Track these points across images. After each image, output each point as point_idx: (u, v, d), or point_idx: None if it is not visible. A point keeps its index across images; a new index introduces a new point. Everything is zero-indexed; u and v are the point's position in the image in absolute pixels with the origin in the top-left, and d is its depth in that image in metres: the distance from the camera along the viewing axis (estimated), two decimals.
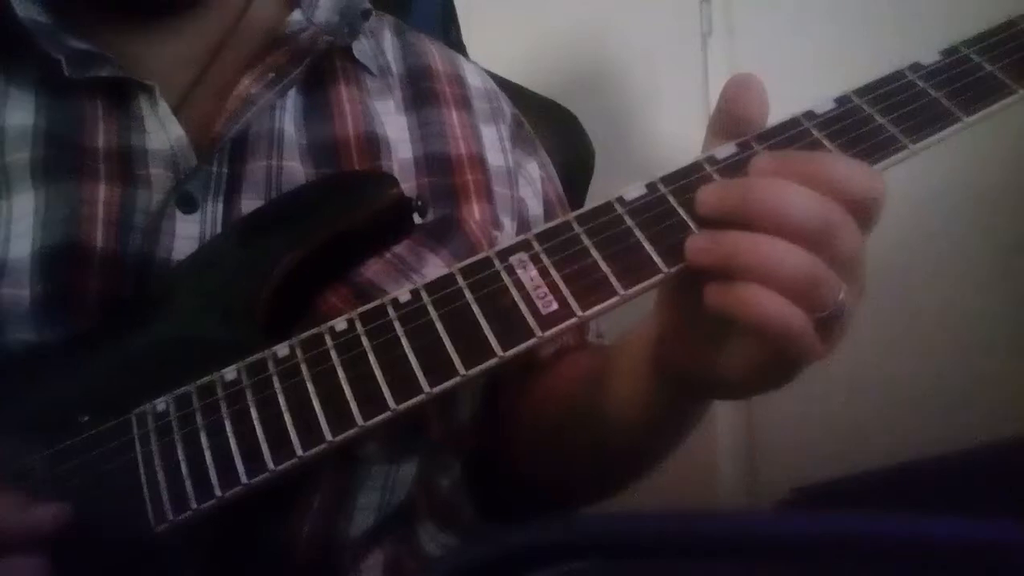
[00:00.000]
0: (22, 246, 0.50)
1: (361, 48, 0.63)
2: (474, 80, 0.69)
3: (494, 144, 0.66)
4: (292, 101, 0.59)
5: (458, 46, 0.91)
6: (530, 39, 1.37)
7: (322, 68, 0.61)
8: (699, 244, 0.40)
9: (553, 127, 0.77)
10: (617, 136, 1.34)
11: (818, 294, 0.37)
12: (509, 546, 0.29)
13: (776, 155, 0.41)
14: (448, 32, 0.93)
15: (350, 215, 0.50)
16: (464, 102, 0.66)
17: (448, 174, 0.62)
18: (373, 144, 0.59)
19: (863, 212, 0.39)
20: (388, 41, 0.68)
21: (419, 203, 0.54)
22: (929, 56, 0.46)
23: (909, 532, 0.25)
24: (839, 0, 1.24)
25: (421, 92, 0.65)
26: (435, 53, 0.69)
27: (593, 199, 0.99)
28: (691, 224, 0.42)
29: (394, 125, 0.62)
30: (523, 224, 0.66)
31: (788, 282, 0.37)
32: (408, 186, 0.60)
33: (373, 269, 0.55)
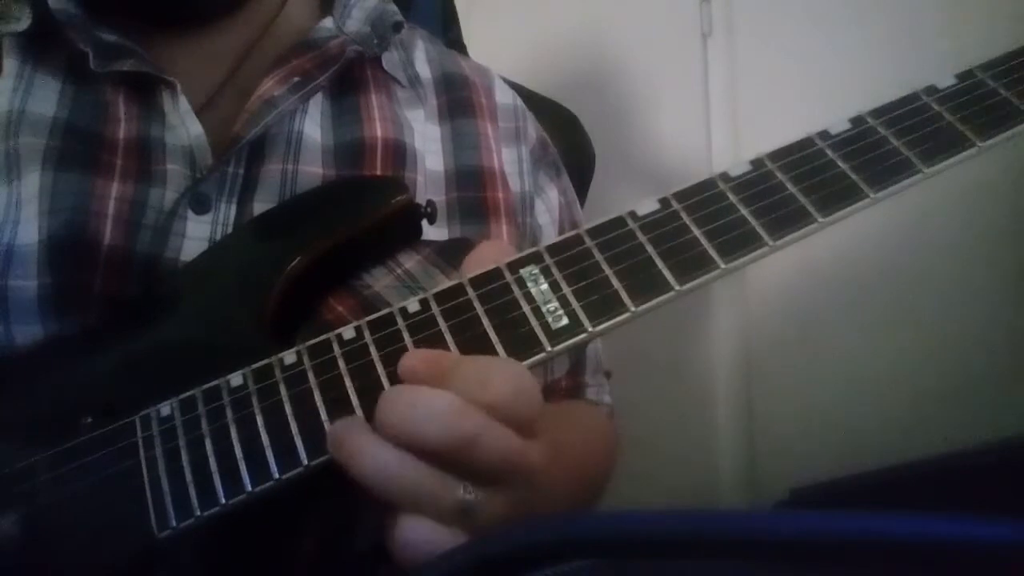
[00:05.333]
0: (29, 232, 0.50)
1: (390, 59, 0.63)
2: (503, 97, 0.68)
3: (513, 167, 0.65)
4: (318, 106, 0.59)
5: (458, 46, 0.91)
6: (530, 39, 1.37)
7: (352, 76, 0.60)
8: (334, 434, 0.38)
9: (553, 127, 0.77)
10: (617, 136, 1.34)
11: (424, 502, 0.37)
12: (508, 546, 0.29)
13: (422, 357, 0.39)
14: (448, 32, 0.93)
15: (357, 220, 0.50)
16: (493, 117, 0.66)
17: (479, 188, 0.61)
18: (400, 152, 0.59)
19: (508, 416, 0.37)
20: (421, 48, 0.67)
21: (427, 210, 0.54)
22: (944, 79, 0.46)
23: (909, 532, 0.25)
24: (838, 0, 1.24)
25: (456, 101, 0.65)
26: (468, 65, 0.68)
27: (593, 199, 0.99)
28: (704, 242, 0.41)
29: (424, 135, 0.62)
30: None
31: (391, 494, 0.37)
32: (437, 200, 0.59)
33: (382, 283, 0.54)
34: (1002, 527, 0.24)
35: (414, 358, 0.39)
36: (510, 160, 0.65)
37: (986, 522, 0.24)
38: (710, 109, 1.35)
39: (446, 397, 0.37)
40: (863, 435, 1.10)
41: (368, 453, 0.37)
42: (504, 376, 0.38)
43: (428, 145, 0.61)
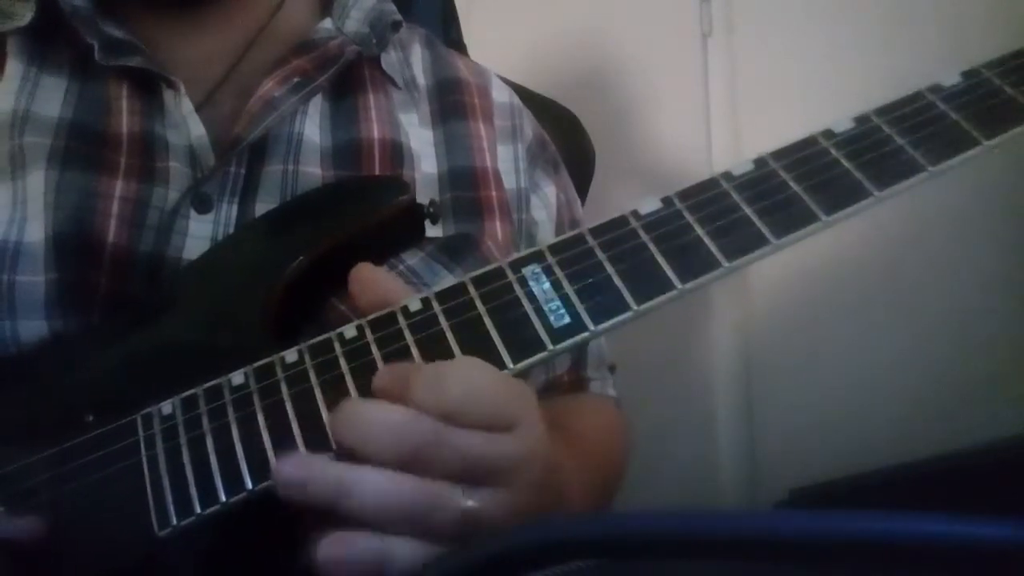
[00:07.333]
0: (35, 229, 0.50)
1: (388, 60, 0.64)
2: (499, 96, 0.69)
3: (508, 164, 0.65)
4: (317, 107, 0.59)
5: (458, 46, 0.91)
6: (530, 39, 1.37)
7: (350, 76, 0.61)
8: (287, 472, 0.36)
9: (553, 127, 0.77)
10: (617, 136, 1.34)
11: (431, 520, 0.35)
12: (509, 546, 0.29)
13: (388, 372, 0.39)
14: (448, 32, 0.93)
15: (360, 220, 0.50)
16: (488, 116, 0.66)
17: (472, 187, 0.62)
18: (398, 152, 0.59)
19: (468, 416, 0.36)
20: (417, 54, 0.67)
21: (431, 209, 0.54)
22: (950, 78, 0.45)
23: (909, 532, 0.25)
24: (838, 0, 1.24)
25: (449, 105, 0.65)
26: (464, 66, 0.69)
27: (593, 199, 0.99)
28: (707, 241, 0.41)
29: (418, 139, 0.62)
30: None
31: (388, 520, 0.35)
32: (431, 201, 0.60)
33: None
34: (1002, 527, 0.24)
35: (382, 377, 0.38)
36: (505, 158, 0.65)
37: (986, 522, 0.24)
38: (710, 109, 1.35)
39: (390, 409, 0.36)
40: (863, 435, 1.10)
41: (363, 481, 0.35)
42: (456, 377, 0.37)
43: (423, 148, 0.62)
